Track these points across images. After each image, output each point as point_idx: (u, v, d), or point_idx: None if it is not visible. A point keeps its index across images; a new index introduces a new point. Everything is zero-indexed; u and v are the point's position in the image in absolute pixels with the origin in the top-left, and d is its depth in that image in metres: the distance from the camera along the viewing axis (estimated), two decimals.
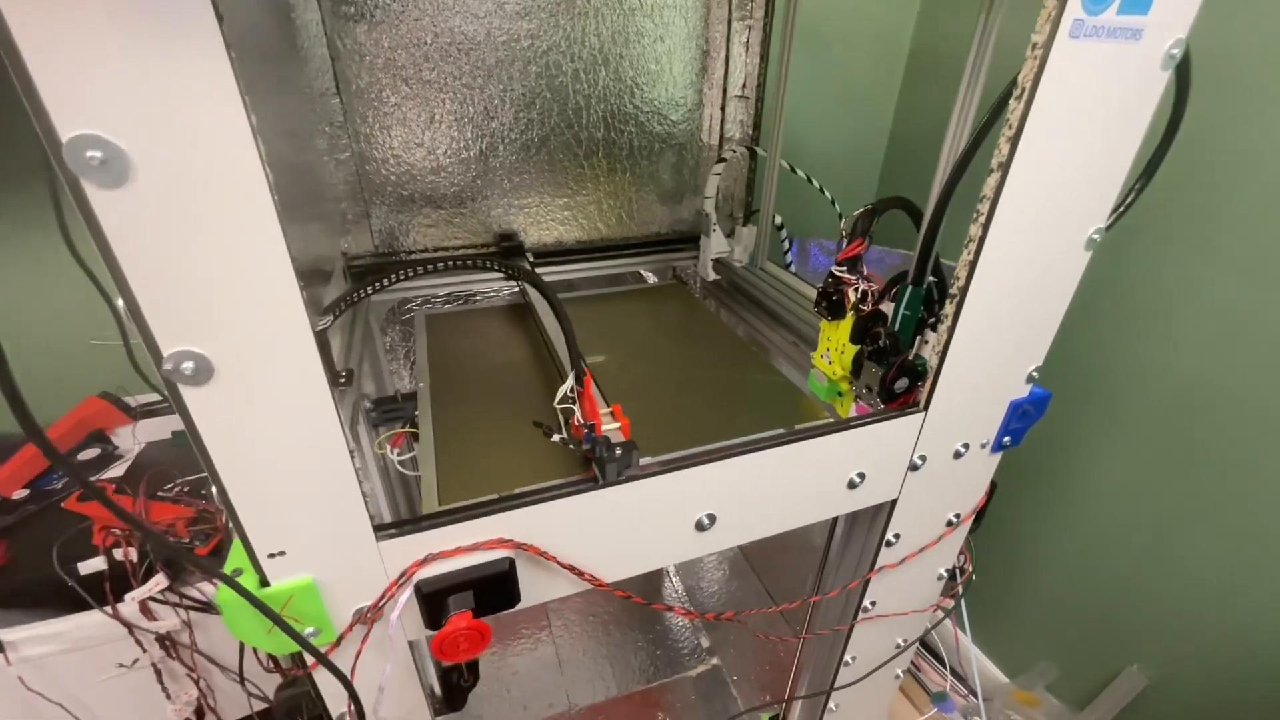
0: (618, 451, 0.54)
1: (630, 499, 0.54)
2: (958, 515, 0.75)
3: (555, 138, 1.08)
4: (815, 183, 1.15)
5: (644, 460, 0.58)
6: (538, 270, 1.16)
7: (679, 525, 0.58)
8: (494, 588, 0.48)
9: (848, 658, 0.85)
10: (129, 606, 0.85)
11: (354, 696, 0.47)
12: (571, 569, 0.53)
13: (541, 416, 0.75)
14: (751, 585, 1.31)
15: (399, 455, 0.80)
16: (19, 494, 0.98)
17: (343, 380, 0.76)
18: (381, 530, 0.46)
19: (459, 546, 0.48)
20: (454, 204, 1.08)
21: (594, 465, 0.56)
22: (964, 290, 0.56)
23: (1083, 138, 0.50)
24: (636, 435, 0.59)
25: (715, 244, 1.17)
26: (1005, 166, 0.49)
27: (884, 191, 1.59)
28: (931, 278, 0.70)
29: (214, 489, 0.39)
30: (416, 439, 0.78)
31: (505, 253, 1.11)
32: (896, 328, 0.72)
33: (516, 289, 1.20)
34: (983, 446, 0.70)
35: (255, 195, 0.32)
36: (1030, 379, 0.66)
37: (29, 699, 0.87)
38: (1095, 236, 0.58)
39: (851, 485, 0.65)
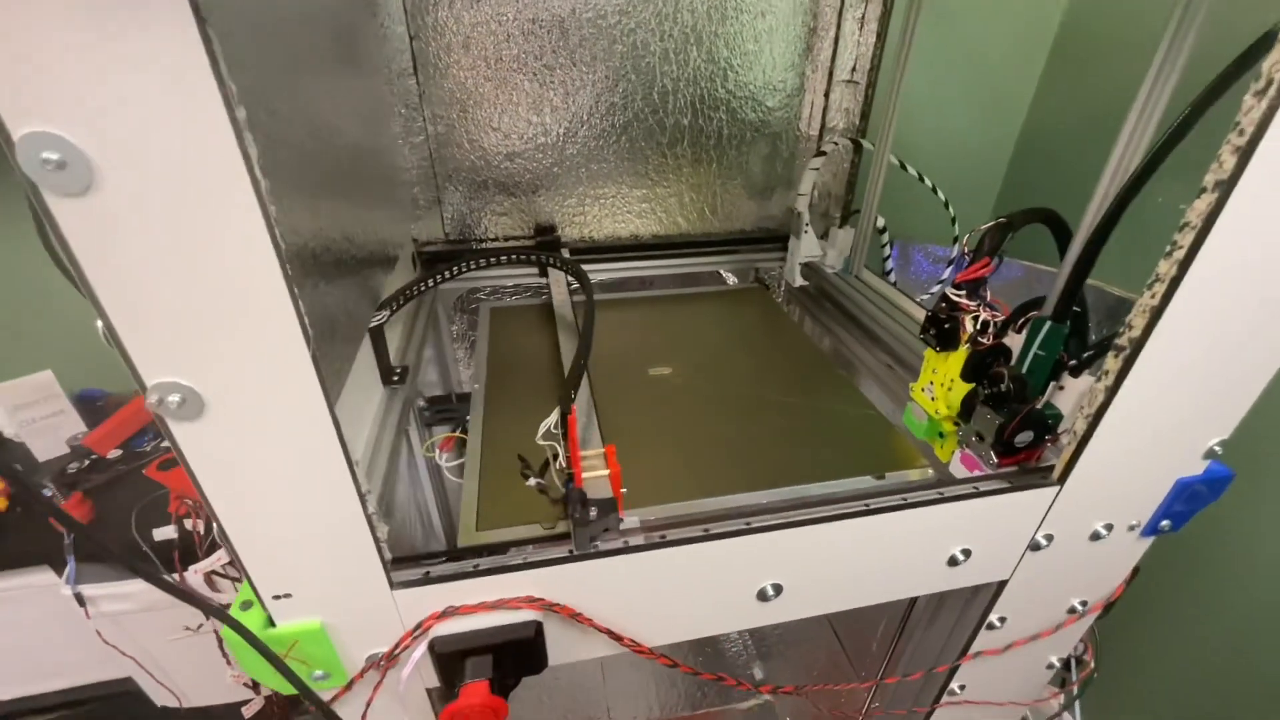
0: (592, 513, 0.45)
1: (677, 562, 0.46)
2: (1084, 603, 0.62)
3: (638, 124, 1.00)
4: (928, 181, 1.00)
5: (671, 511, 0.49)
6: (612, 265, 1.09)
7: (737, 593, 0.49)
8: (517, 653, 0.42)
9: None
10: (194, 577, 0.88)
11: None
12: (609, 633, 0.46)
13: (609, 434, 0.69)
14: (823, 630, 1.20)
15: (448, 461, 0.76)
16: (113, 454, 1.04)
17: (395, 378, 0.72)
18: (398, 573, 0.41)
19: (482, 602, 0.42)
20: (528, 191, 1.03)
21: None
22: (1139, 341, 0.43)
23: None
24: (692, 469, 0.51)
25: (806, 246, 1.05)
26: (1227, 186, 0.36)
27: (1008, 196, 1.39)
28: (1075, 308, 0.57)
29: (214, 525, 0.35)
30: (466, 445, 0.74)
31: (543, 245, 1.04)
32: (1025, 369, 0.60)
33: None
34: (1130, 529, 0.56)
35: (244, 209, 0.26)
36: (1210, 454, 0.52)
37: (106, 651, 0.92)
38: None
39: (953, 562, 0.54)
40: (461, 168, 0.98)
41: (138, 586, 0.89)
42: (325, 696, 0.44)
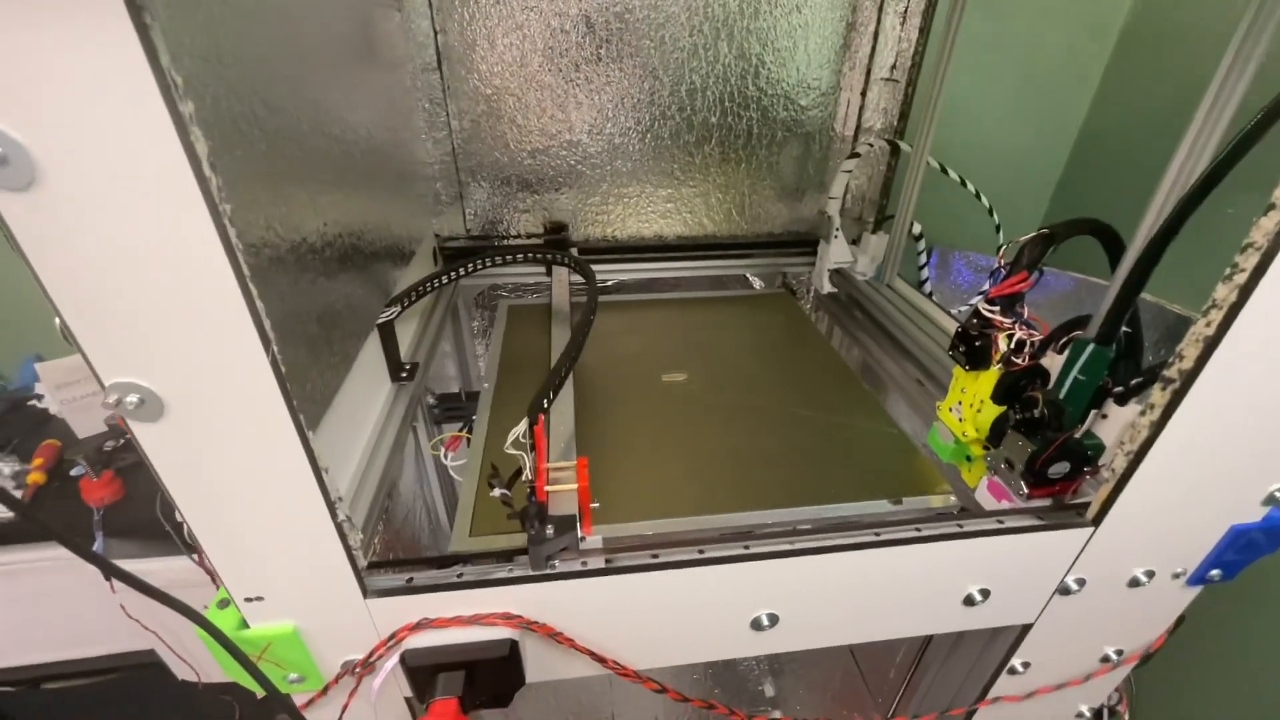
0: (549, 531, 0.42)
1: (667, 585, 0.44)
2: (1119, 652, 0.56)
3: (665, 121, 0.97)
4: (970, 186, 0.94)
5: (669, 527, 0.46)
6: (635, 265, 1.07)
7: (731, 621, 0.47)
8: (491, 671, 0.41)
9: None
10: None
11: None
12: (591, 654, 0.44)
13: (606, 442, 0.67)
14: (840, 650, 1.15)
15: (454, 460, 0.75)
16: None
17: (404, 375, 0.72)
18: (375, 579, 0.40)
19: (457, 616, 0.40)
20: (551, 189, 1.01)
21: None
22: (1190, 374, 0.38)
23: None
24: (696, 483, 0.48)
25: (836, 251, 1.01)
26: None
27: (1061, 204, 1.30)
28: (1126, 328, 0.52)
29: (184, 526, 0.34)
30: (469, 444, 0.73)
31: (550, 244, 1.02)
32: (1063, 394, 0.55)
33: (609, 284, 1.12)
34: (1175, 577, 0.50)
35: (191, 207, 0.25)
36: (1271, 500, 0.46)
37: (130, 624, 0.96)
38: None
39: (969, 602, 0.49)
40: (484, 164, 0.97)
41: (160, 565, 0.92)
42: (301, 699, 0.44)
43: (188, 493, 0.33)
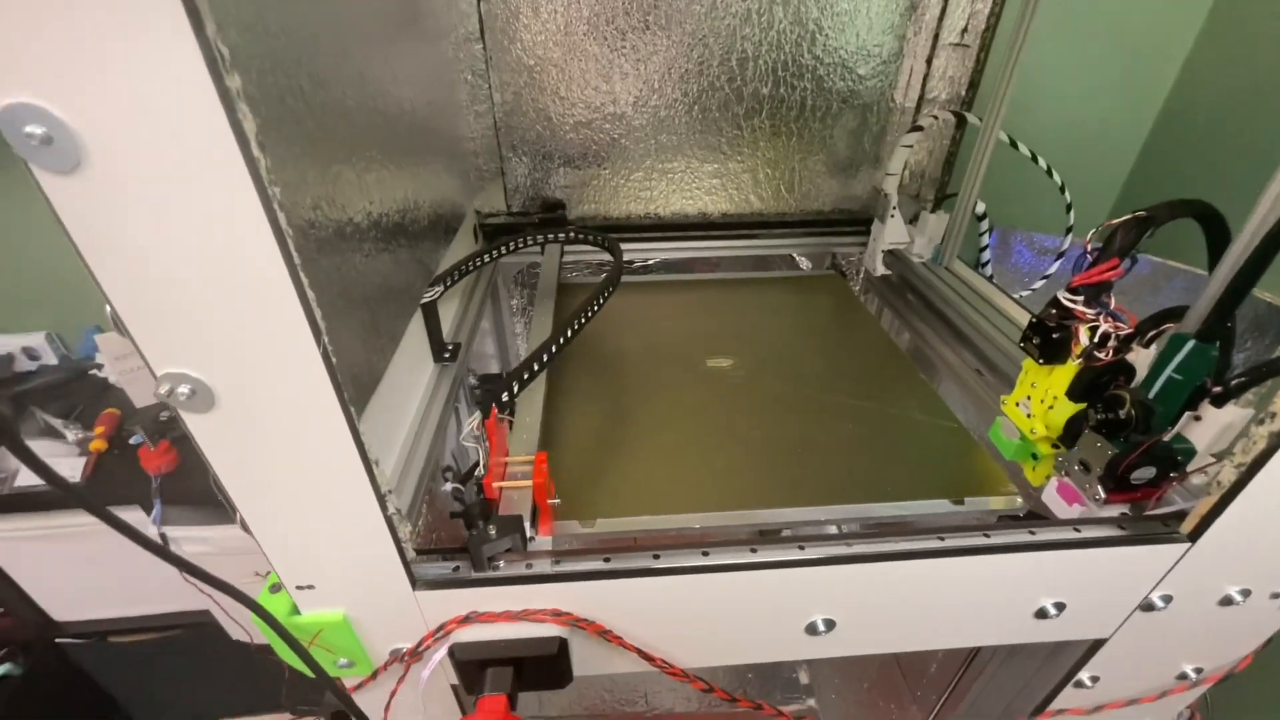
0: (491, 531, 0.39)
1: (718, 587, 0.42)
2: (1199, 670, 0.53)
3: (713, 93, 0.92)
4: (1042, 163, 0.88)
5: (715, 521, 0.43)
6: (678, 244, 1.04)
7: (784, 625, 0.45)
8: (539, 668, 0.40)
9: None
10: None
11: None
12: (640, 653, 0.43)
13: (658, 431, 0.65)
14: None
15: None
16: None
17: (447, 355, 0.71)
18: (424, 569, 0.39)
19: (507, 611, 0.39)
20: (593, 163, 0.98)
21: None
22: None
23: None
24: (741, 477, 0.45)
25: (891, 231, 0.95)
26: None
27: (1138, 184, 1.21)
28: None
29: (237, 515, 0.34)
30: (512, 428, 0.72)
31: (546, 223, 0.98)
32: (1153, 394, 0.51)
33: (651, 264, 1.09)
34: (1275, 597, 0.46)
35: (240, 192, 0.23)
36: None
37: (187, 586, 1.00)
38: None
39: (1042, 615, 0.46)
40: (527, 138, 0.95)
41: (215, 532, 0.95)
42: (350, 683, 0.44)
43: (239, 482, 0.32)
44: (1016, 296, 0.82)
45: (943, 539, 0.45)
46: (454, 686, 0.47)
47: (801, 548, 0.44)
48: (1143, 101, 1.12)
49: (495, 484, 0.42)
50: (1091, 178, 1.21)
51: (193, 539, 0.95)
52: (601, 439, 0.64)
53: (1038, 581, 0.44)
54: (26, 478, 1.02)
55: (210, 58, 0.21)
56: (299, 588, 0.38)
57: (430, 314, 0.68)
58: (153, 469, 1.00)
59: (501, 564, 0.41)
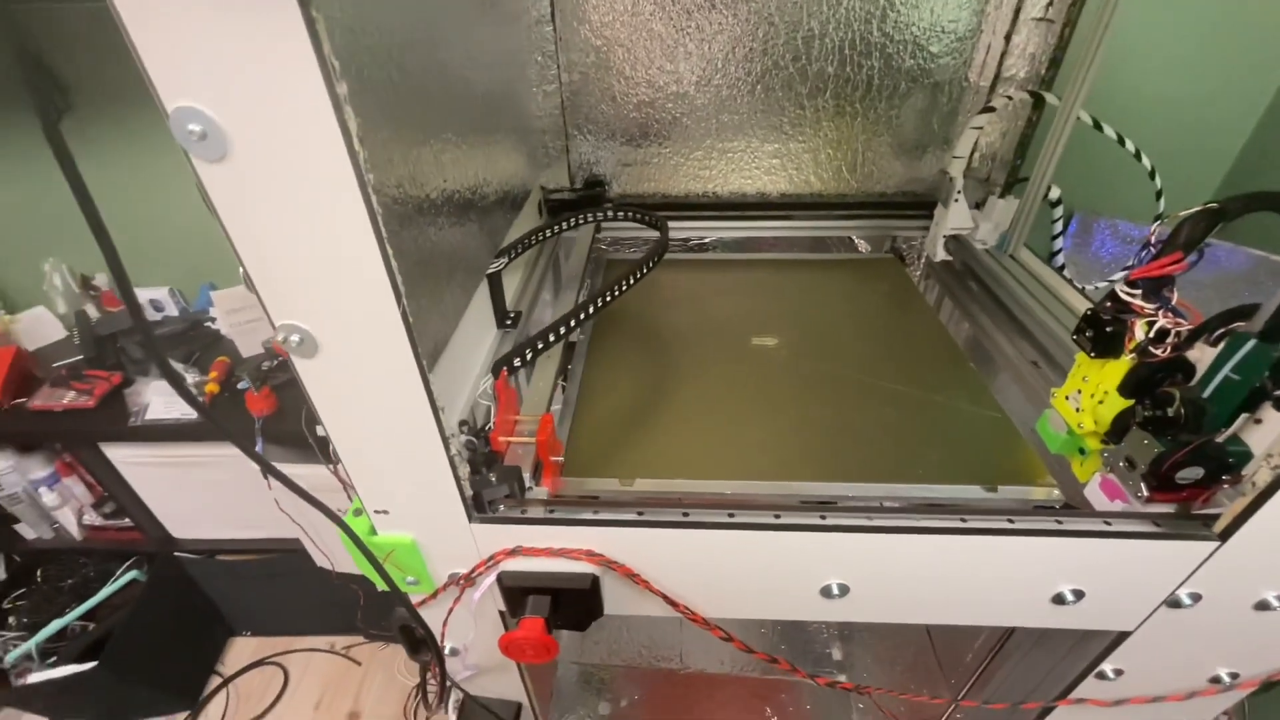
0: (492, 478, 0.44)
1: (739, 544, 0.46)
2: (1235, 675, 0.52)
3: (776, 72, 0.93)
4: (1130, 145, 0.83)
5: (743, 489, 0.46)
6: (736, 223, 1.05)
7: (800, 585, 0.48)
8: (574, 600, 0.45)
9: None
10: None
11: (434, 643, 0.49)
12: (665, 598, 0.48)
13: (698, 402, 0.69)
14: (916, 625, 1.14)
15: (550, 406, 0.81)
16: None
17: (509, 322, 0.77)
18: (479, 511, 0.45)
19: (548, 548, 0.45)
20: (655, 142, 1.01)
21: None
22: None
23: None
24: (771, 449, 0.48)
25: (954, 216, 0.93)
26: None
27: (1245, 170, 1.11)
28: None
29: (330, 445, 0.41)
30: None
31: (587, 199, 1.01)
32: (1208, 393, 0.50)
33: (707, 242, 1.11)
34: None
35: (343, 176, 0.29)
36: None
37: (281, 516, 1.14)
38: None
39: (1059, 600, 0.47)
40: (592, 117, 0.98)
41: (303, 470, 1.06)
42: (415, 599, 0.51)
43: (334, 417, 0.39)
44: (1092, 287, 0.80)
45: (965, 520, 0.47)
46: (500, 612, 0.54)
47: (823, 516, 0.47)
48: (1252, 82, 1.02)
49: (501, 438, 0.48)
50: (1190, 162, 1.12)
51: (292, 474, 1.08)
52: (641, 405, 0.69)
53: (1057, 567, 0.46)
54: (155, 412, 1.18)
55: (325, 70, 0.26)
56: (376, 512, 0.45)
57: (495, 284, 0.74)
58: (256, 411, 1.13)
59: (501, 507, 0.46)
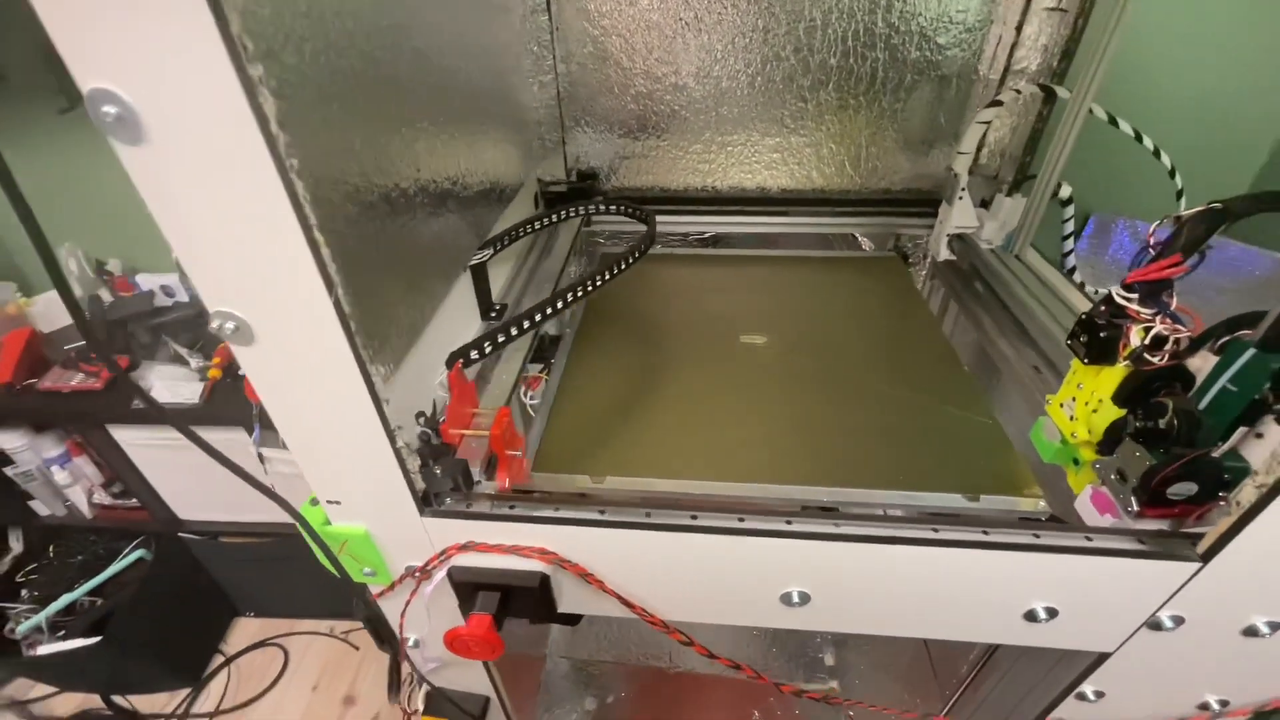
0: (437, 471, 0.43)
1: (699, 547, 0.44)
2: (1224, 703, 0.49)
3: (777, 64, 0.90)
4: (1148, 142, 0.79)
5: (711, 490, 0.45)
6: (735, 219, 1.03)
7: (760, 592, 0.47)
8: (524, 598, 0.44)
9: None
10: None
11: (389, 633, 0.49)
12: (620, 598, 0.47)
13: (679, 400, 0.67)
14: None
15: (533, 399, 0.80)
16: None
17: (493, 315, 0.77)
18: (427, 505, 0.44)
19: (499, 544, 0.44)
20: (654, 134, 0.99)
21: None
22: None
23: None
24: (758, 451, 0.47)
25: (959, 214, 0.90)
26: None
27: (1276, 167, 1.05)
28: None
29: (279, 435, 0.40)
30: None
31: (580, 192, 1.00)
32: (1204, 404, 0.47)
33: (705, 237, 1.09)
34: None
35: (258, 160, 0.28)
36: None
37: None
38: None
39: (1031, 617, 0.45)
40: (589, 109, 0.97)
41: None
42: (375, 590, 0.51)
43: (278, 406, 0.38)
44: (1101, 291, 0.76)
45: (936, 530, 0.45)
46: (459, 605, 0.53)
47: (788, 521, 0.46)
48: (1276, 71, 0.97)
49: (453, 430, 0.47)
50: (1219, 159, 1.07)
51: (284, 459, 1.09)
52: (620, 401, 0.68)
53: (1030, 584, 0.43)
54: (162, 393, 1.20)
55: (234, 51, 0.25)
56: (329, 502, 0.44)
57: (479, 275, 0.73)
58: (254, 398, 1.15)
59: (448, 500, 0.46)
